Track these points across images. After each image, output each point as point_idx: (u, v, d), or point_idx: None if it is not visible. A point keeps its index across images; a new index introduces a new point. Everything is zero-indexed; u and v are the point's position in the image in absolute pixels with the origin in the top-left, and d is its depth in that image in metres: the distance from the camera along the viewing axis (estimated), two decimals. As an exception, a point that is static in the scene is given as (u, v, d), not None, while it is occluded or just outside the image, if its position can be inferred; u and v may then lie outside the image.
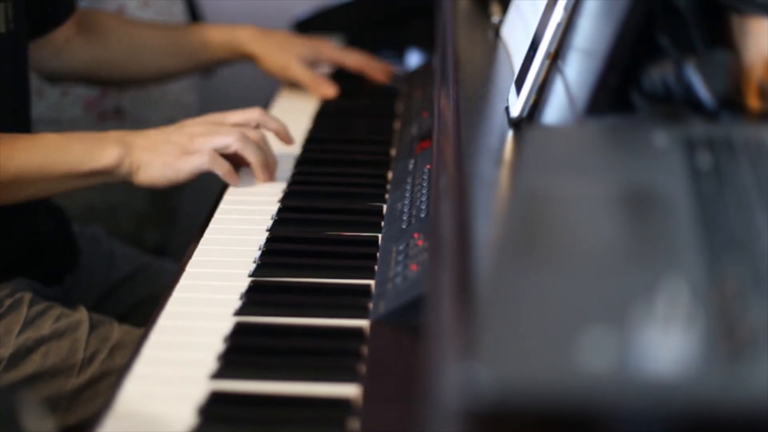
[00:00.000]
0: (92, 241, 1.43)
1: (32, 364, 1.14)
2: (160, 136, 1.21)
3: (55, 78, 1.51)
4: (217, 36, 1.58)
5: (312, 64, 1.62)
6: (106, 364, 1.16)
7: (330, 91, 1.59)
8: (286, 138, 1.31)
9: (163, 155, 1.19)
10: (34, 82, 1.63)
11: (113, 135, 1.21)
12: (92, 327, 1.18)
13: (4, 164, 1.15)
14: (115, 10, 1.73)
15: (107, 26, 1.52)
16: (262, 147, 1.25)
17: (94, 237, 1.45)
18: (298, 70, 1.59)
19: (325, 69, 1.68)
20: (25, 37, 1.27)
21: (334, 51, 1.66)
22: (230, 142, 1.22)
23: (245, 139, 1.23)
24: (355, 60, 1.66)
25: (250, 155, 1.23)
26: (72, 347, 1.16)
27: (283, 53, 1.59)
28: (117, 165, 1.18)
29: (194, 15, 2.02)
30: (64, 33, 1.44)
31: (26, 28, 1.26)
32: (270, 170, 1.26)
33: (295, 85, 1.63)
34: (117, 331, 1.19)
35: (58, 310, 1.19)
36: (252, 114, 1.28)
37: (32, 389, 1.14)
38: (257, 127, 1.28)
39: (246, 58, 1.60)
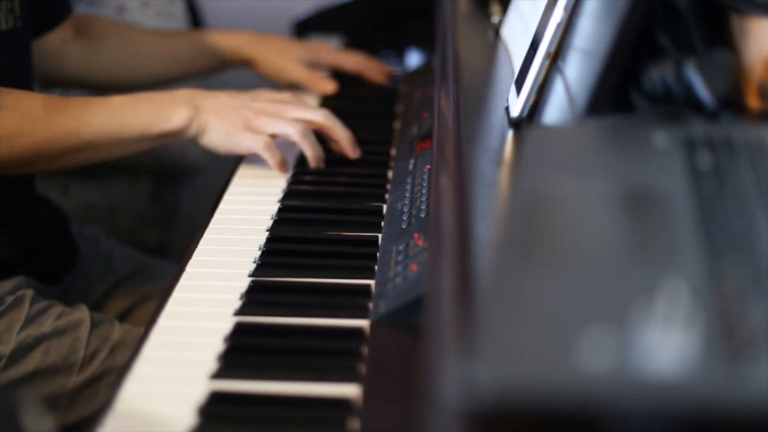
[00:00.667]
0: (91, 241, 1.43)
1: (33, 361, 1.14)
2: (228, 102, 1.24)
3: (51, 82, 1.51)
4: (214, 42, 1.58)
5: (310, 66, 1.62)
6: (107, 363, 1.16)
7: (329, 86, 1.59)
8: (350, 151, 1.31)
9: (227, 123, 1.22)
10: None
11: (182, 95, 1.24)
12: (93, 325, 1.18)
13: (75, 130, 1.17)
14: (115, 10, 1.73)
15: (104, 31, 1.53)
16: (331, 130, 1.29)
17: (93, 237, 1.45)
18: (296, 71, 1.59)
19: (324, 72, 1.68)
20: (30, 35, 1.27)
21: (332, 54, 1.66)
22: (292, 132, 1.25)
23: (307, 133, 1.26)
24: (353, 62, 1.66)
25: (308, 149, 1.27)
26: (73, 345, 1.16)
27: (280, 56, 1.59)
28: (186, 126, 1.21)
29: (194, 15, 2.02)
30: (60, 36, 1.44)
31: (31, 25, 1.26)
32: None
33: (294, 86, 1.63)
34: (118, 330, 1.19)
35: (59, 308, 1.19)
36: (318, 115, 1.29)
37: (33, 387, 1.14)
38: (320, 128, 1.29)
39: (244, 64, 1.61)
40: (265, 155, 1.24)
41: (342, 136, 1.30)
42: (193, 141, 1.23)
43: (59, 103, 1.19)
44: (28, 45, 1.26)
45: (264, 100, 1.27)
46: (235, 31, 1.62)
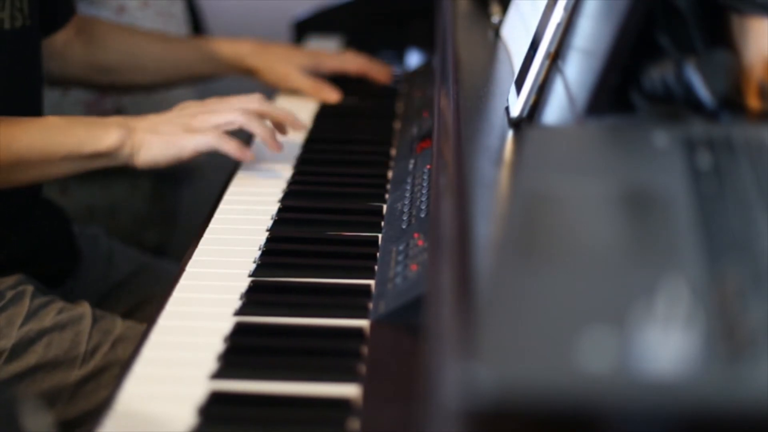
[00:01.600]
0: (92, 241, 1.43)
1: (34, 355, 1.14)
2: (161, 118, 1.23)
3: (53, 81, 1.51)
4: (217, 50, 1.58)
5: (313, 73, 1.62)
6: (108, 357, 1.16)
7: (332, 95, 1.59)
8: (295, 124, 1.32)
9: (164, 134, 1.21)
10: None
11: (115, 119, 1.23)
12: (95, 320, 1.18)
13: (6, 145, 1.16)
14: (115, 10, 1.73)
15: (106, 33, 1.53)
16: (269, 114, 1.28)
17: (94, 237, 1.45)
18: (298, 79, 1.59)
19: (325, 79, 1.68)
20: (39, 34, 1.27)
21: (333, 59, 1.66)
22: (233, 118, 1.24)
23: (248, 113, 1.25)
24: (355, 64, 1.66)
25: (256, 128, 1.25)
26: (74, 339, 1.16)
27: (283, 64, 1.59)
28: (118, 147, 1.19)
29: (194, 15, 2.02)
30: (64, 37, 1.44)
31: (39, 24, 1.26)
32: (282, 133, 1.28)
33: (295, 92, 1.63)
34: (120, 324, 1.19)
35: (60, 303, 1.20)
36: (252, 101, 1.28)
37: (34, 381, 1.14)
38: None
39: (246, 73, 1.61)
40: (220, 146, 1.21)
41: (279, 114, 1.30)
42: (128, 163, 1.21)
43: None
44: (37, 44, 1.27)
45: (193, 105, 1.27)
46: (238, 39, 1.62)
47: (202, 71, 1.60)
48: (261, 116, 1.28)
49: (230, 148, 1.22)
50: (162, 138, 1.20)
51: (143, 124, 1.21)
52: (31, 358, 1.14)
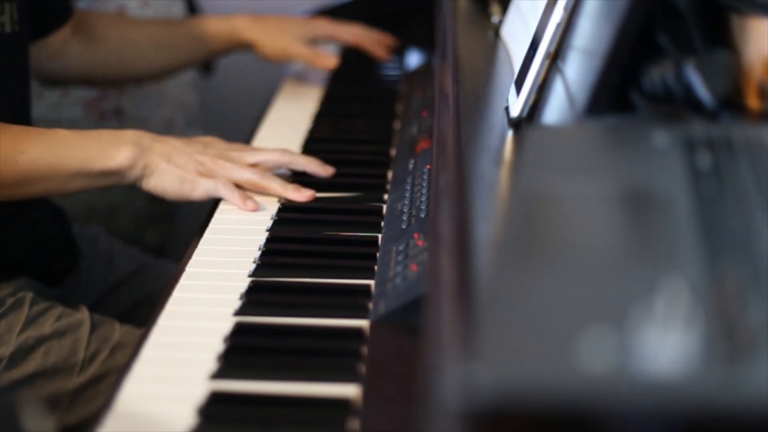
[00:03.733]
0: (91, 241, 1.43)
1: (33, 363, 1.14)
2: (179, 147, 1.19)
3: (52, 81, 1.51)
4: (213, 27, 1.58)
5: (310, 42, 1.62)
6: (107, 364, 1.16)
7: (331, 62, 1.59)
8: (319, 170, 1.26)
9: (178, 167, 1.18)
10: (33, 84, 1.63)
11: (131, 135, 1.19)
12: (93, 326, 1.18)
13: (13, 157, 1.13)
14: (115, 10, 1.73)
15: (103, 27, 1.52)
16: (291, 165, 1.25)
17: (93, 237, 1.45)
18: (296, 49, 1.59)
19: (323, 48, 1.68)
20: (27, 38, 1.27)
21: (330, 26, 1.66)
22: (253, 178, 1.20)
23: (266, 176, 1.21)
24: (350, 33, 1.67)
25: (274, 188, 1.21)
26: (73, 346, 1.16)
27: (280, 36, 1.59)
28: (129, 167, 1.16)
29: (194, 15, 2.02)
30: (61, 36, 1.44)
31: (28, 29, 1.26)
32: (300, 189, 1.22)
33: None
34: (118, 330, 1.19)
35: (59, 309, 1.19)
36: (275, 155, 1.24)
37: (33, 388, 1.13)
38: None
39: (244, 47, 1.60)
40: (226, 195, 1.19)
41: (305, 164, 1.26)
42: (137, 184, 1.18)
43: None
44: (26, 49, 1.26)
45: (218, 147, 1.23)
46: (232, 15, 1.61)
47: (200, 51, 1.59)
48: (285, 166, 1.25)
49: (237, 199, 1.18)
50: (176, 172, 1.17)
51: (160, 148, 1.18)
52: (30, 365, 1.14)
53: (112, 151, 1.16)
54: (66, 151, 1.15)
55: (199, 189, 1.18)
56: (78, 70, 1.49)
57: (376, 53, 1.68)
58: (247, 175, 1.20)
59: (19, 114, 1.25)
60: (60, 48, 1.45)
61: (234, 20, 1.59)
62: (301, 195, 1.21)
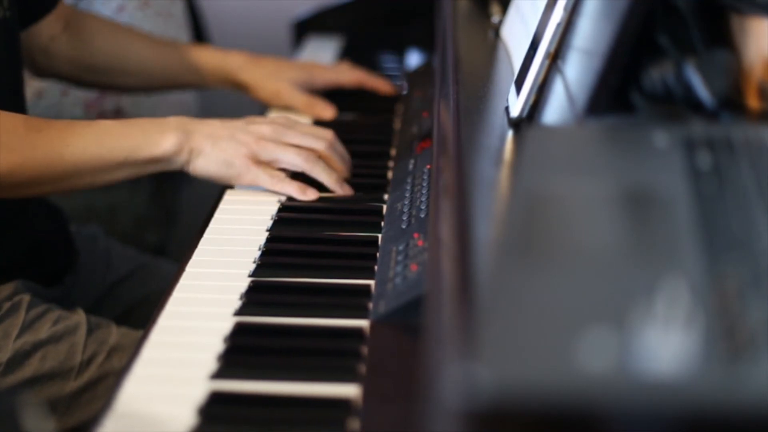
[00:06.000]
0: (89, 240, 1.43)
1: (30, 367, 1.13)
2: (223, 130, 1.20)
3: (41, 74, 1.50)
4: (208, 61, 1.53)
5: (306, 87, 1.55)
6: (104, 367, 1.15)
7: (327, 112, 1.52)
8: (338, 188, 1.24)
9: (225, 151, 1.18)
10: (35, 82, 1.63)
11: (174, 121, 1.19)
12: (90, 330, 1.17)
13: (59, 152, 1.13)
14: (115, 10, 1.73)
15: (95, 32, 1.49)
16: (331, 161, 1.24)
17: (92, 237, 1.44)
18: (291, 96, 1.53)
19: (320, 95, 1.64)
20: (18, 25, 1.26)
21: (327, 72, 1.59)
22: (298, 162, 1.21)
23: (315, 159, 1.21)
24: (350, 77, 1.59)
25: (321, 175, 1.22)
26: (70, 350, 1.15)
27: (274, 80, 1.53)
28: (176, 152, 1.17)
29: (194, 15, 2.02)
30: (49, 31, 1.42)
31: (18, 16, 1.25)
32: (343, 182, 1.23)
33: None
34: (115, 333, 1.18)
35: (56, 313, 1.19)
36: (320, 143, 1.24)
37: (30, 393, 1.13)
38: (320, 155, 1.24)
39: (237, 88, 1.55)
40: (279, 189, 1.20)
41: (337, 168, 1.25)
42: (184, 168, 1.19)
43: (41, 124, 1.15)
44: (16, 35, 1.25)
45: (261, 123, 1.22)
46: (230, 50, 1.56)
47: (190, 81, 1.55)
48: (323, 159, 1.24)
49: (292, 190, 1.20)
50: (223, 154, 1.18)
51: (204, 129, 1.18)
52: (26, 370, 1.13)
53: (157, 138, 1.17)
54: (111, 141, 1.16)
55: (246, 177, 1.20)
56: (63, 69, 1.47)
57: (380, 89, 1.61)
58: (291, 160, 1.21)
59: (12, 100, 1.23)
60: (48, 43, 1.43)
61: (230, 58, 1.54)
62: (343, 190, 1.23)
